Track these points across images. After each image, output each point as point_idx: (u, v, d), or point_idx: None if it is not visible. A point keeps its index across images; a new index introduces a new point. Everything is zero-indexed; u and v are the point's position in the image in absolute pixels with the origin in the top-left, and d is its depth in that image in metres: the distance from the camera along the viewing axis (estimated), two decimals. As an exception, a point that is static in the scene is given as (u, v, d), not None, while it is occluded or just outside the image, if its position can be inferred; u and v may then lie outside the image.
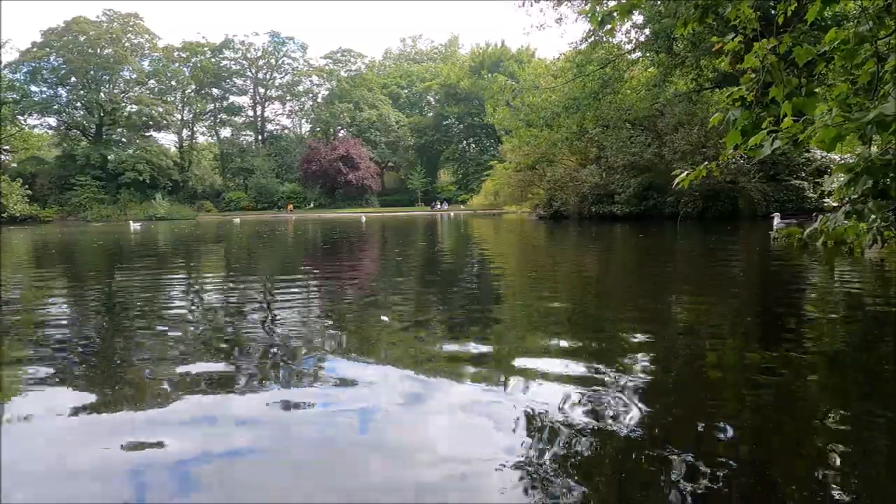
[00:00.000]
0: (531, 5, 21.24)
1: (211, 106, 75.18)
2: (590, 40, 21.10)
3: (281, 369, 3.06)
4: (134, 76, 67.41)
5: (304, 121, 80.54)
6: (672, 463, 1.89)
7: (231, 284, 6.97)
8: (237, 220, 41.06)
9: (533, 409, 2.34)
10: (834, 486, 1.74)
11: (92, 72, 63.10)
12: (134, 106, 66.36)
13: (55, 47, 61.88)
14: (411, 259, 9.85)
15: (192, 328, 4.15)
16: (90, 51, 62.59)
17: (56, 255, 12.81)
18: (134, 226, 32.61)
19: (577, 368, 2.92)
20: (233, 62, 74.95)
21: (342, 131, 73.35)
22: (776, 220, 14.94)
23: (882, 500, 1.72)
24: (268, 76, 76.98)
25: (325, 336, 3.78)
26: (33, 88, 63.25)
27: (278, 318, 4.54)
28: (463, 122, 71.93)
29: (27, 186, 52.77)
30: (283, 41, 75.93)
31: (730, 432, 2.15)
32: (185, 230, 26.49)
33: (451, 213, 47.08)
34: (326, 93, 76.93)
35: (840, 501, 1.66)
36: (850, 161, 4.20)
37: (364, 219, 34.76)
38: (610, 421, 2.24)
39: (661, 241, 12.67)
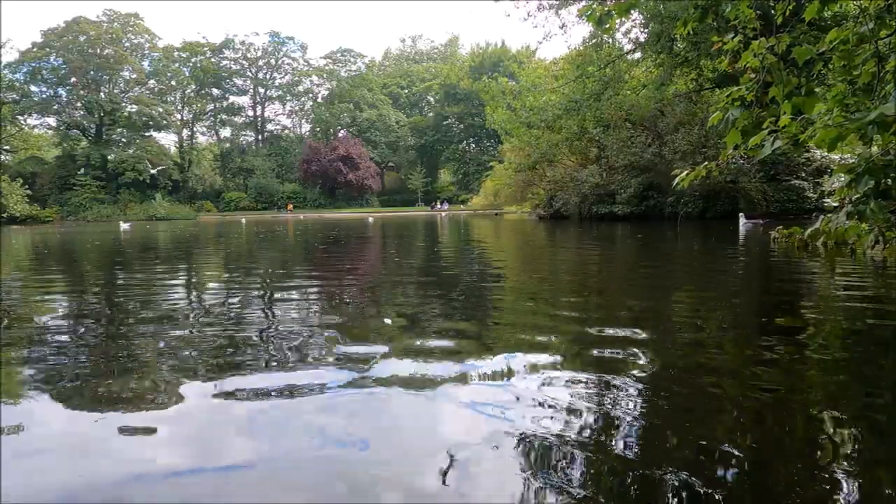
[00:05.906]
0: (535, 16, 21.36)
1: (211, 106, 75.25)
2: (594, 41, 21.14)
3: (281, 372, 3.04)
4: (134, 76, 67.51)
5: (304, 121, 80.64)
6: (670, 467, 1.87)
7: (235, 285, 6.96)
8: (243, 220, 40.72)
9: (532, 409, 2.33)
10: (835, 491, 1.72)
11: (92, 72, 63.18)
12: (134, 106, 66.44)
13: (55, 47, 61.95)
14: (414, 260, 9.86)
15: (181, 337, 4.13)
16: (90, 51, 62.66)
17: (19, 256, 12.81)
18: (123, 226, 31.01)
19: (578, 369, 2.91)
20: (233, 62, 75.01)
21: (342, 131, 73.36)
22: (741, 220, 14.88)
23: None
24: (268, 76, 77.04)
25: (326, 336, 3.77)
26: (33, 88, 63.40)
27: (281, 322, 4.53)
28: (463, 122, 71.95)
29: (27, 186, 52.74)
30: (283, 41, 76.01)
31: (729, 434, 2.13)
32: (183, 230, 26.40)
33: (444, 213, 47.10)
34: (326, 93, 77.01)
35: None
36: (851, 161, 4.18)
37: (371, 220, 34.27)
38: (609, 420, 2.22)
39: (661, 241, 12.65)
